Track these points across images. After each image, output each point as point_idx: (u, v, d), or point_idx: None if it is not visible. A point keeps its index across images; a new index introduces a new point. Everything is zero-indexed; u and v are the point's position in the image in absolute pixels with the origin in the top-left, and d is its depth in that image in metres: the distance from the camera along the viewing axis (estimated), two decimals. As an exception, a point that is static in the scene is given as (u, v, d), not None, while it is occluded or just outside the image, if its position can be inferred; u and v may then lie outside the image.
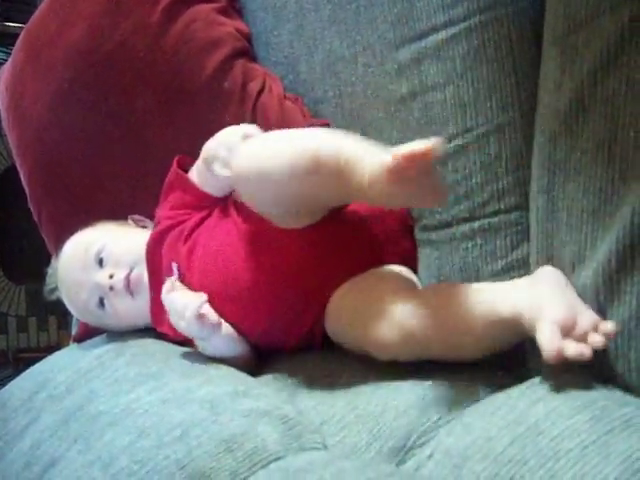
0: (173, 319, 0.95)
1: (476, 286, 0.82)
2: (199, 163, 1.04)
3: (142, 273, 1.04)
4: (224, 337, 0.96)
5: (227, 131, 0.99)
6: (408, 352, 0.83)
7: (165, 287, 0.96)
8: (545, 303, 0.71)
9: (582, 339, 0.68)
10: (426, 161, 0.72)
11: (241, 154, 0.89)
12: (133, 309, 1.05)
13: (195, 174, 1.05)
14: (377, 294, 0.87)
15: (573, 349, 0.66)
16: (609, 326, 0.68)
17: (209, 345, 0.97)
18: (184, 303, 0.93)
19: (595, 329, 0.68)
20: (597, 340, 0.67)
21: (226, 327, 0.96)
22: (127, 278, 1.03)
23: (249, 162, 0.88)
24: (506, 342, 0.79)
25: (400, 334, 0.82)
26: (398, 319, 0.82)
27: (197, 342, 0.98)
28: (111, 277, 1.03)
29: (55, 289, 1.12)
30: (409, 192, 0.76)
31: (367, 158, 0.77)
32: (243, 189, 0.92)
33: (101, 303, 1.05)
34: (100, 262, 1.04)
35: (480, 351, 0.80)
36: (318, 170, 0.80)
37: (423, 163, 0.72)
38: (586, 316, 0.70)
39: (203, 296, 0.93)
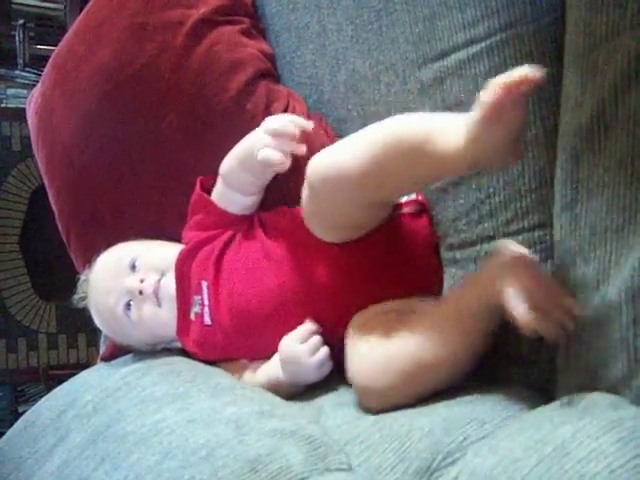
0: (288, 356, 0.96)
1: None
2: (219, 184, 1.07)
3: (171, 282, 1.06)
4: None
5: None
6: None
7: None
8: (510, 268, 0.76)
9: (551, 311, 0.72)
10: (523, 90, 0.70)
11: (315, 157, 0.87)
12: (157, 317, 1.06)
13: (216, 195, 1.08)
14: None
15: (545, 329, 0.71)
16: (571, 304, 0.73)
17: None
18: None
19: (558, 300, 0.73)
20: (569, 324, 0.72)
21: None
22: (157, 283, 1.05)
23: (326, 161, 0.86)
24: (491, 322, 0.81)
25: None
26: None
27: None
28: (142, 282, 1.05)
29: (84, 298, 1.13)
30: (500, 137, 0.74)
31: (450, 121, 0.78)
32: (314, 193, 0.89)
33: (127, 308, 1.06)
34: (133, 267, 1.07)
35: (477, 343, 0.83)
36: (399, 147, 0.79)
37: (519, 93, 0.70)
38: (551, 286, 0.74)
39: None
